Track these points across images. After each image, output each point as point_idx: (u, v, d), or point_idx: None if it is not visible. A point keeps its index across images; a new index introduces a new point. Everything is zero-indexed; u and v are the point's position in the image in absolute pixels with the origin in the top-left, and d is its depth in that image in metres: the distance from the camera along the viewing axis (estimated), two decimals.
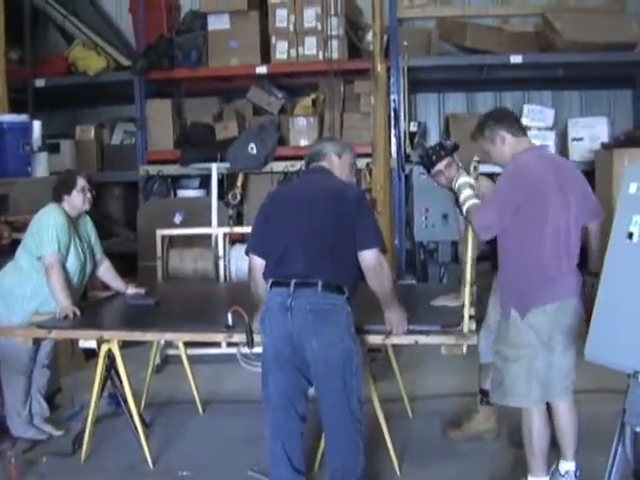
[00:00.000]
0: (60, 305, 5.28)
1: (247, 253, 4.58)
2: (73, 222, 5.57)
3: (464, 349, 4.62)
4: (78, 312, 5.25)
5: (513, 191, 4.26)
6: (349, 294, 4.30)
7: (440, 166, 5.18)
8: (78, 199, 5.56)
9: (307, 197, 4.40)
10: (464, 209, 4.45)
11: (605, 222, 4.21)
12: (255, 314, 4.60)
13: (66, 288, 5.33)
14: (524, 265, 4.31)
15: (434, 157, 5.18)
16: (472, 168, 4.63)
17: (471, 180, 4.53)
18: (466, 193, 4.46)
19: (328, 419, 4.38)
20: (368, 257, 4.27)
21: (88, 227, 5.78)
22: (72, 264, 5.49)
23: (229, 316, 4.86)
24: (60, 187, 5.57)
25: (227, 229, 7.82)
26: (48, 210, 5.50)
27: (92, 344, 5.13)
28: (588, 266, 4.55)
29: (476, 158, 4.65)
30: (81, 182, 5.56)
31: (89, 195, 5.61)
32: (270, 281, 4.34)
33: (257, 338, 4.62)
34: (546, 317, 4.27)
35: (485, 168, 4.95)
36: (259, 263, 4.47)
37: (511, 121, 4.55)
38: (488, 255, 5.08)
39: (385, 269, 4.34)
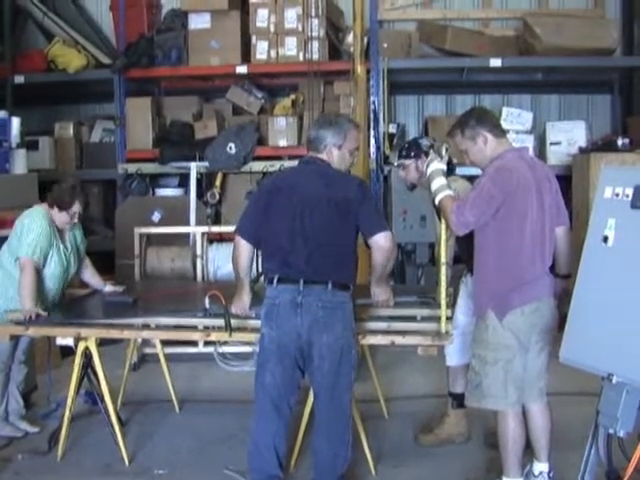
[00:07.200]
0: (23, 306, 5.22)
1: (236, 232, 4.60)
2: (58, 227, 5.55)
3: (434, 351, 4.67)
4: (43, 313, 5.18)
5: (497, 191, 4.21)
6: (353, 290, 4.43)
7: (408, 162, 5.16)
8: (64, 219, 5.50)
9: (309, 199, 4.38)
10: (437, 199, 4.41)
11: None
12: (234, 298, 4.68)
13: (33, 292, 5.26)
14: (502, 266, 4.30)
15: (412, 152, 5.15)
16: (444, 150, 4.61)
17: (443, 166, 4.50)
18: (439, 182, 4.44)
19: (324, 411, 4.44)
20: (382, 239, 4.36)
21: (75, 228, 5.74)
22: (54, 269, 5.48)
23: (207, 300, 4.88)
24: (57, 199, 5.48)
25: (205, 228, 7.79)
26: (34, 214, 5.46)
27: (69, 342, 5.12)
28: (556, 269, 4.53)
29: (446, 145, 4.64)
30: (76, 208, 5.49)
31: (75, 220, 5.57)
32: (276, 277, 4.39)
33: (235, 322, 4.70)
34: (524, 318, 4.28)
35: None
36: (244, 244, 4.51)
37: (493, 121, 4.56)
38: (461, 258, 5.10)
39: (395, 250, 4.53)
